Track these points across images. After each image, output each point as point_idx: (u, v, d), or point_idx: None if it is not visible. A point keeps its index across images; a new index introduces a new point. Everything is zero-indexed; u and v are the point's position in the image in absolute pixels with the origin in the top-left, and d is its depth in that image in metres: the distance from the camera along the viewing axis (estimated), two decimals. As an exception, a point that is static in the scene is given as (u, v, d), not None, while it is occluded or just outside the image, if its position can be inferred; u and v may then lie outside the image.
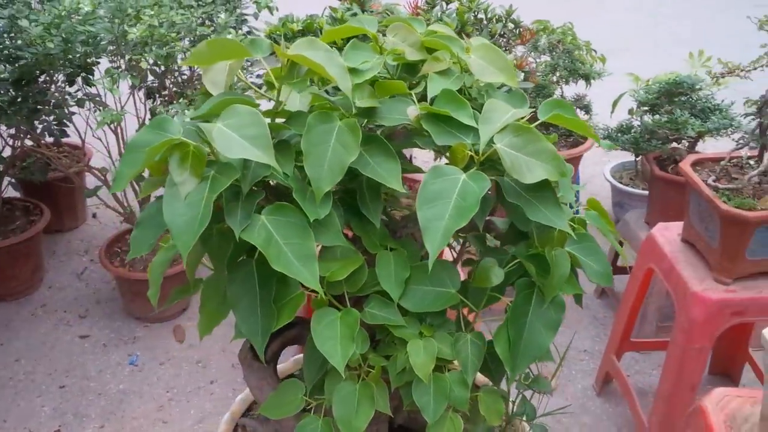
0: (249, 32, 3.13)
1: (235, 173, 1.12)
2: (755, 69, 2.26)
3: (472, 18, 2.18)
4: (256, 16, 3.11)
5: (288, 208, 1.18)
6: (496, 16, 2.23)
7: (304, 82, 1.26)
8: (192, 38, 2.69)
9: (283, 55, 1.18)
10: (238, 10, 3.12)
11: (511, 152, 1.18)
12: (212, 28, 2.89)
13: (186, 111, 2.32)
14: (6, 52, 2.61)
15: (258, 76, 2.86)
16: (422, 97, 1.29)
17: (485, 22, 2.19)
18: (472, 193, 1.14)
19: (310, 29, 2.13)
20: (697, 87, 3.03)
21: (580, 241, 1.30)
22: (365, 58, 1.30)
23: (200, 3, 3.00)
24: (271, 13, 3.06)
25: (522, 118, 1.21)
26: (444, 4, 2.31)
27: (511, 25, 2.23)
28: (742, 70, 2.29)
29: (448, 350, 1.28)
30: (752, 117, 2.25)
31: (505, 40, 2.25)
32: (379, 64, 1.28)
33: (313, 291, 1.16)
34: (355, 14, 2.14)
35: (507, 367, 1.25)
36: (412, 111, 1.26)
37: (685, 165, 2.33)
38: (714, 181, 2.25)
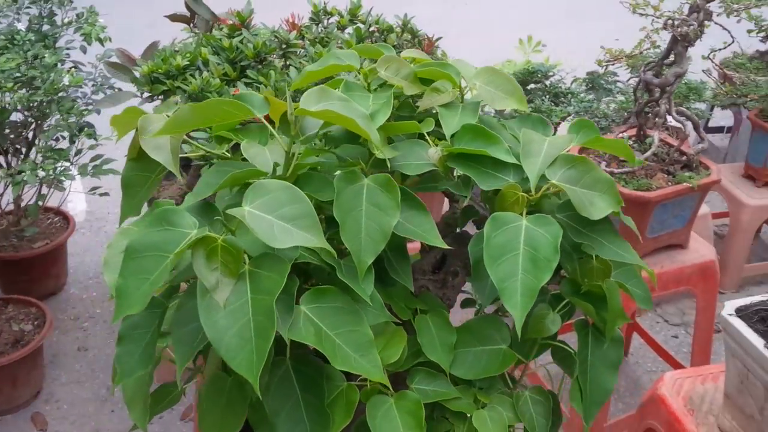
0: (75, 66, 2.81)
1: (284, 266, 0.92)
2: (640, 53, 2.27)
3: (365, 31, 2.03)
4: (84, 50, 2.79)
5: (329, 291, 0.99)
6: (389, 27, 2.08)
7: (310, 140, 1.07)
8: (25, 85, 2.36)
9: (303, 112, 0.99)
10: (58, 44, 2.79)
11: (570, 187, 1.05)
12: (39, 71, 2.55)
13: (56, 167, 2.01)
14: None
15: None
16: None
17: (378, 34, 2.05)
18: (543, 242, 1.00)
19: (194, 63, 1.90)
20: (550, 74, 3.04)
21: (617, 267, 1.20)
22: (364, 99, 1.13)
23: (15, 42, 2.66)
24: (102, 45, 2.77)
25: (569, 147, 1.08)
26: (325, 20, 2.14)
27: (408, 36, 2.09)
28: (628, 56, 2.29)
29: (512, 414, 1.14)
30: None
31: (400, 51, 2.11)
32: (389, 106, 1.11)
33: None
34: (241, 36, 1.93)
35: (585, 419, 1.13)
36: (434, 153, 1.11)
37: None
38: (606, 166, 2.24)
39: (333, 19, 2.17)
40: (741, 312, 1.76)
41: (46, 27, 2.81)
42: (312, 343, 0.95)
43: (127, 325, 1.07)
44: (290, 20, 2.12)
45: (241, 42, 1.90)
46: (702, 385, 1.97)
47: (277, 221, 0.92)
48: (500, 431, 1.10)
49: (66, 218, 3.36)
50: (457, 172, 1.14)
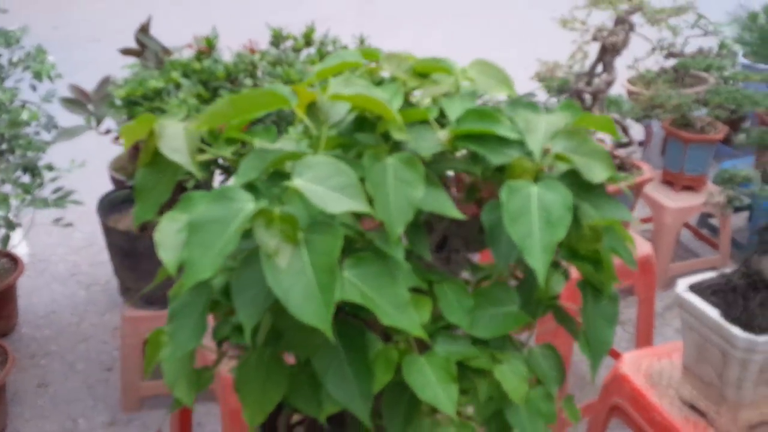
0: (23, 105, 2.85)
1: (338, 230, 1.02)
2: (573, 65, 2.46)
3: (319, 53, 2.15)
4: (33, 87, 2.83)
5: (367, 258, 1.10)
6: (345, 47, 2.21)
7: (339, 125, 1.18)
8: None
9: (337, 97, 1.10)
10: (6, 81, 2.82)
11: (572, 156, 1.18)
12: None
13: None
14: None
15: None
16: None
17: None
18: (554, 203, 1.13)
19: (167, 86, 1.98)
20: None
21: (607, 232, 1.33)
22: (373, 89, 1.24)
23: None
24: (51, 81, 2.82)
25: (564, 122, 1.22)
26: (282, 44, 2.26)
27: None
28: (563, 66, 2.48)
29: (526, 369, 1.26)
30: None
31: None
32: (400, 95, 1.23)
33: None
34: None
35: (593, 363, 1.26)
36: (443, 135, 1.23)
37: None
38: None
39: (289, 43, 2.29)
40: (694, 288, 1.93)
41: (-10, 70, 2.85)
42: (359, 301, 1.05)
43: (178, 304, 1.15)
44: (248, 46, 2.23)
45: (213, 64, 1.99)
46: (659, 362, 2.13)
47: (327, 191, 1.02)
48: (520, 383, 1.22)
49: (14, 260, 3.35)
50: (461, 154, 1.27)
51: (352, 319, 1.14)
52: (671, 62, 3.76)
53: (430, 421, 1.24)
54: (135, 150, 2.59)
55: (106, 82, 2.56)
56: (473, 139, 1.22)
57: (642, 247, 2.74)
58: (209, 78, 1.99)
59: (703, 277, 1.97)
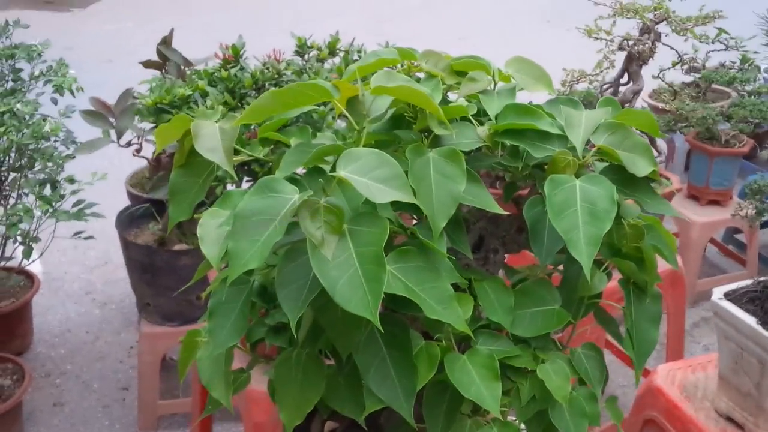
0: (44, 119, 2.84)
1: (383, 221, 1.00)
2: (600, 72, 2.45)
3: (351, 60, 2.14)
4: (54, 101, 2.83)
5: (410, 252, 1.08)
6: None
7: (380, 119, 1.16)
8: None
9: (381, 90, 1.08)
10: (27, 95, 2.82)
11: (615, 149, 1.16)
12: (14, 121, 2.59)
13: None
14: None
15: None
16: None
17: (362, 61, 2.15)
18: (599, 196, 1.11)
19: (193, 95, 1.98)
20: None
21: (649, 230, 1.30)
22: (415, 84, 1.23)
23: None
24: (73, 95, 2.81)
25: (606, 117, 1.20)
26: (307, 54, 2.25)
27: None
28: (589, 75, 2.46)
29: (569, 368, 1.23)
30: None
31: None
32: (439, 90, 1.21)
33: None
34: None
35: (635, 368, 1.23)
36: (483, 131, 1.21)
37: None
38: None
39: (313, 53, 2.28)
40: (729, 296, 1.90)
41: (10, 83, 2.85)
42: (403, 293, 1.02)
43: (216, 301, 1.13)
44: (273, 55, 2.22)
45: (239, 72, 1.99)
46: (693, 374, 2.10)
47: (372, 182, 1.00)
48: (563, 382, 1.19)
49: (30, 277, 3.34)
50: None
51: (394, 315, 1.11)
52: (691, 78, 3.74)
53: (471, 422, 1.21)
54: (157, 162, 2.58)
55: (127, 94, 2.56)
56: (513, 134, 1.20)
57: (669, 259, 2.71)
58: (235, 86, 1.98)
59: (738, 284, 1.94)
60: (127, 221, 2.87)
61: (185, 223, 2.82)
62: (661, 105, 3.44)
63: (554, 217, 1.09)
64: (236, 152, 1.17)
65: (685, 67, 3.72)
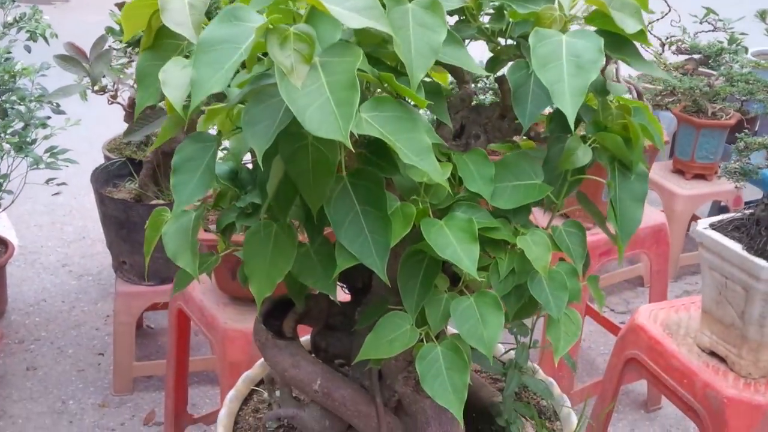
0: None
1: (357, 50, 0.95)
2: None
3: None
4: (28, 49, 2.77)
5: (387, 100, 1.03)
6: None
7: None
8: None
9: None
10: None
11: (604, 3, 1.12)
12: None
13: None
14: None
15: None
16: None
17: None
18: (585, 48, 1.07)
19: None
20: None
21: (636, 113, 1.26)
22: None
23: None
24: (47, 42, 2.76)
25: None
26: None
27: None
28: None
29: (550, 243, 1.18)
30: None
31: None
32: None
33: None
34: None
35: (621, 240, 1.18)
36: (467, -8, 1.17)
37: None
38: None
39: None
40: (714, 226, 1.86)
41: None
42: (377, 135, 0.97)
43: (181, 157, 1.08)
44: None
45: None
46: (676, 314, 2.05)
47: (346, 10, 0.95)
48: (544, 252, 1.14)
49: (3, 243, 3.27)
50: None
51: (369, 170, 1.07)
52: (679, 60, 3.74)
53: (447, 295, 1.16)
54: (132, 108, 2.53)
55: (102, 39, 2.50)
56: (496, -7, 1.16)
57: (655, 216, 2.67)
58: None
59: (724, 216, 1.90)
60: (103, 178, 2.82)
61: (162, 178, 2.78)
62: (650, 85, 3.42)
63: (539, 69, 1.05)
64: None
65: (673, 47, 3.71)
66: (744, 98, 3.40)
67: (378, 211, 1.05)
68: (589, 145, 1.20)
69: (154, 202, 2.70)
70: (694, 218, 3.63)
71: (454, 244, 1.08)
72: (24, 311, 3.34)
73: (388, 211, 1.07)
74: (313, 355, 1.39)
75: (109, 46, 2.46)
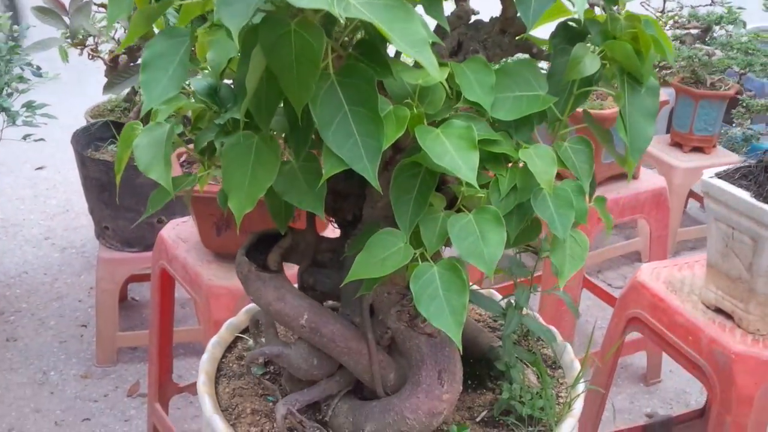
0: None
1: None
2: None
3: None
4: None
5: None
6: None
7: None
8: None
9: None
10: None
11: None
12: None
13: None
14: None
15: None
16: None
17: None
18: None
19: None
20: None
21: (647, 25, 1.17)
22: None
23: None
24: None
25: None
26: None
27: None
28: None
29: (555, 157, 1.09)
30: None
31: None
32: None
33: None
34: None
35: (631, 156, 1.10)
36: None
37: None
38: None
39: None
40: (721, 175, 1.78)
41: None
42: (367, 20, 0.88)
43: (151, 53, 0.99)
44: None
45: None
46: (680, 272, 1.97)
47: None
48: (549, 166, 1.06)
49: (-16, 213, 3.17)
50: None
51: (358, 65, 0.98)
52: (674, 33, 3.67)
53: (444, 214, 1.07)
54: (114, 62, 2.43)
55: (80, -7, 2.41)
56: None
57: (655, 180, 2.59)
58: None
59: (729, 166, 1.82)
60: (84, 140, 2.72)
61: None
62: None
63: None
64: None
65: (670, 21, 3.64)
66: (742, 71, 3.33)
67: (369, 112, 0.96)
68: (598, 54, 1.11)
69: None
70: (692, 195, 3.56)
71: (452, 151, 0.99)
72: (4, 283, 3.24)
73: (382, 113, 0.98)
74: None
75: (89, -1, 2.37)
